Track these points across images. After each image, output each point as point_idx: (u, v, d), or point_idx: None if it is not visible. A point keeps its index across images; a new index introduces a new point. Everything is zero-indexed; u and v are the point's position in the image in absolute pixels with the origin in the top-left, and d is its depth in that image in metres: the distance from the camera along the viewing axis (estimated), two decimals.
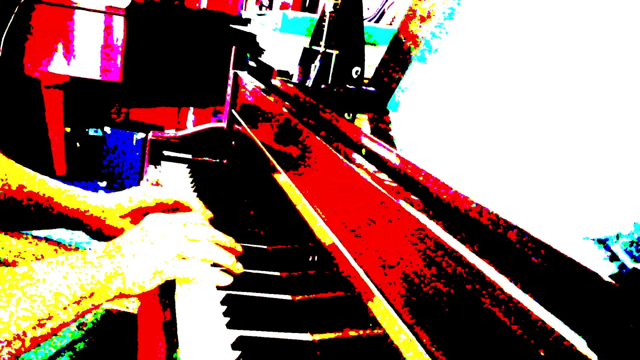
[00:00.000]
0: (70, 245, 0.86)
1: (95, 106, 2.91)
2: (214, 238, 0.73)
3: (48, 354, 0.72)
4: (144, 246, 0.67)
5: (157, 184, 1.12)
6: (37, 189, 0.80)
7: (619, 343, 0.32)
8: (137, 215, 0.84)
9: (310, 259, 0.72)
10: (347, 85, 0.93)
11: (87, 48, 2.42)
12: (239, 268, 0.74)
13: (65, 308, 0.59)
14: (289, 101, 0.97)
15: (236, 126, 1.27)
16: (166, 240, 0.68)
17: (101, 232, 0.83)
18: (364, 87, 0.93)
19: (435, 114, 0.77)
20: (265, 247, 0.86)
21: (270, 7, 2.09)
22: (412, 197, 0.53)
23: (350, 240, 0.62)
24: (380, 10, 1.32)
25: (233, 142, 1.30)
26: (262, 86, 1.14)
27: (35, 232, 0.91)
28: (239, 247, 0.77)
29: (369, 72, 0.96)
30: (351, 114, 0.83)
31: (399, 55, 0.91)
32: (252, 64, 1.40)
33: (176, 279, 0.69)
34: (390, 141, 0.69)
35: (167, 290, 0.73)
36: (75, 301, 0.60)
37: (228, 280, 0.71)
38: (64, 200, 0.81)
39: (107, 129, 2.80)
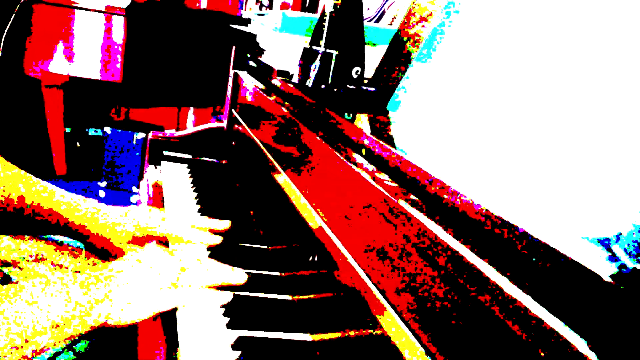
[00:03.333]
0: (70, 245, 0.85)
1: (95, 106, 2.91)
2: (209, 280, 0.71)
3: (48, 355, 0.72)
4: (139, 277, 0.66)
5: (157, 185, 1.12)
6: (41, 202, 0.80)
7: (619, 343, 0.32)
8: (141, 241, 0.83)
9: (310, 259, 0.72)
10: (347, 85, 0.93)
11: (87, 48, 2.42)
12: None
13: (45, 330, 0.57)
14: (289, 101, 0.97)
15: (236, 126, 1.27)
16: (160, 277, 0.67)
17: (106, 251, 0.83)
18: (364, 87, 0.93)
19: (436, 114, 0.77)
20: (265, 247, 0.86)
21: (270, 7, 2.09)
22: (412, 197, 0.53)
23: (350, 240, 0.62)
24: (380, 10, 1.32)
25: (233, 142, 1.30)
26: (262, 86, 1.14)
27: None
28: (240, 278, 0.74)
29: (369, 72, 0.96)
30: (351, 114, 0.83)
31: (399, 55, 0.91)
32: (252, 64, 1.40)
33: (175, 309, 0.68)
34: (390, 141, 0.69)
35: None
36: (56, 324, 0.58)
37: (228, 297, 0.70)
38: (70, 215, 0.81)
39: (107, 129, 2.79)
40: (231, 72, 1.35)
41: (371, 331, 0.54)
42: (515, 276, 0.38)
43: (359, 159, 0.65)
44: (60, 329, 0.58)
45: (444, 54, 0.82)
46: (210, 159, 1.31)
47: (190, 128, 1.38)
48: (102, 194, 2.62)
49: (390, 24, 1.27)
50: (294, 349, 0.64)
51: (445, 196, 0.50)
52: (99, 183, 2.73)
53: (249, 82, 1.20)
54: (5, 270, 0.77)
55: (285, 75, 1.13)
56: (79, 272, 0.64)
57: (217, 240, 0.84)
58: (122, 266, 0.67)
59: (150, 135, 1.29)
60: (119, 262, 0.68)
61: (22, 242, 0.80)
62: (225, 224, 0.88)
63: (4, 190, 0.79)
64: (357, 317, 0.57)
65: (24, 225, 0.81)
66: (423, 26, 0.88)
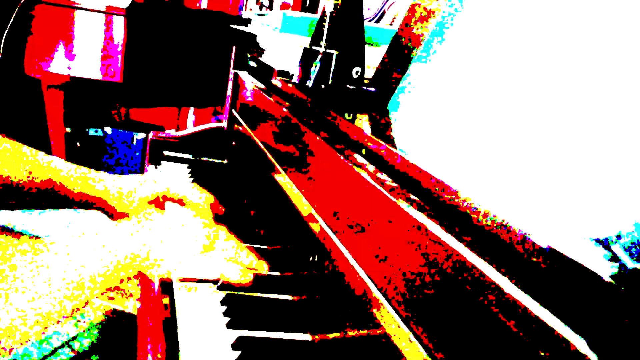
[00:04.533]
0: (25, 234, 0.85)
1: (96, 106, 2.91)
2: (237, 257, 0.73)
3: (46, 352, 0.72)
4: (168, 232, 0.68)
5: None
6: (48, 175, 0.81)
7: (619, 343, 0.32)
8: (155, 202, 0.85)
9: (310, 259, 0.72)
10: (348, 85, 0.93)
11: (87, 48, 2.42)
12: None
13: (95, 280, 0.58)
14: (289, 101, 0.97)
15: (236, 126, 1.27)
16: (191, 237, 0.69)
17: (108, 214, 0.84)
18: (364, 87, 0.93)
19: (436, 114, 0.77)
20: (265, 247, 0.86)
21: (270, 7, 2.09)
22: (412, 197, 0.53)
23: (350, 240, 0.62)
24: (380, 10, 1.32)
25: (233, 142, 1.30)
26: (263, 86, 1.14)
27: None
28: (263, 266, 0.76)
29: (369, 72, 0.96)
30: (351, 114, 0.83)
31: (399, 56, 0.91)
32: (252, 64, 1.40)
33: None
34: (390, 141, 0.69)
35: (167, 290, 0.73)
36: (107, 272, 0.59)
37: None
38: (74, 184, 0.82)
39: (108, 129, 2.79)
40: (231, 72, 1.35)
41: (371, 331, 0.54)
42: (515, 276, 0.38)
43: (359, 159, 0.65)
44: (111, 275, 0.59)
45: (444, 54, 0.82)
46: (211, 159, 1.31)
47: (190, 128, 1.38)
48: None
49: (390, 24, 1.27)
50: (294, 349, 0.64)
51: (445, 196, 0.50)
52: None
53: (249, 82, 1.20)
54: None
55: (285, 75, 1.13)
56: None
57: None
58: (153, 219, 0.68)
59: (150, 135, 1.29)
60: (147, 215, 0.69)
61: None
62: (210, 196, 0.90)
63: (10, 169, 0.80)
64: (357, 317, 0.57)
65: (32, 201, 0.81)
66: (423, 26, 0.88)
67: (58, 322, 0.57)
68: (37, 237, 0.59)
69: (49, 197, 0.81)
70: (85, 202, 0.82)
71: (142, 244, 0.64)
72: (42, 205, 0.83)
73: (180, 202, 0.86)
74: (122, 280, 0.62)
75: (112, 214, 0.83)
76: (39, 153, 0.82)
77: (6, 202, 0.80)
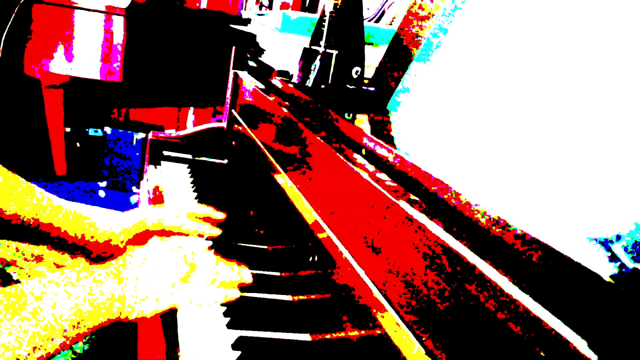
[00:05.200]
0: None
1: (96, 106, 2.91)
2: (217, 269, 0.71)
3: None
4: (146, 271, 0.65)
5: (157, 189, 1.12)
6: (38, 215, 0.79)
7: (619, 343, 0.32)
8: (140, 239, 0.83)
9: (310, 259, 0.72)
10: (347, 85, 0.93)
11: (87, 48, 2.42)
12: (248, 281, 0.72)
13: (64, 330, 0.57)
14: (289, 101, 0.97)
15: (236, 126, 1.27)
16: (170, 268, 0.67)
17: (101, 257, 0.82)
18: (364, 87, 0.93)
19: (436, 114, 0.77)
20: (265, 247, 0.86)
21: (270, 7, 2.09)
22: (412, 197, 0.53)
23: (350, 241, 0.62)
24: (380, 10, 1.32)
25: (233, 142, 1.30)
26: (262, 86, 1.14)
27: None
28: (247, 277, 0.73)
29: (369, 72, 0.96)
30: (351, 114, 0.83)
31: (399, 55, 0.91)
32: (252, 64, 1.40)
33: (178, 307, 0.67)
34: (390, 141, 0.69)
35: None
36: (73, 324, 0.57)
37: (236, 294, 0.69)
38: (68, 226, 0.80)
39: (107, 129, 2.80)
40: (231, 72, 1.35)
41: (371, 331, 0.54)
42: (515, 276, 0.38)
43: (359, 159, 0.65)
44: (79, 326, 0.58)
45: (444, 54, 0.82)
46: (211, 159, 1.31)
47: (190, 128, 1.38)
48: (102, 194, 2.62)
49: (390, 24, 1.27)
50: (294, 349, 0.64)
51: (445, 196, 0.50)
52: (99, 183, 2.73)
53: (249, 82, 1.20)
54: (7, 269, 0.77)
55: (285, 75, 1.13)
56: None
57: (216, 232, 0.85)
58: (131, 261, 0.66)
59: (150, 135, 1.29)
60: (126, 257, 0.67)
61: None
62: (221, 215, 0.88)
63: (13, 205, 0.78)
64: (357, 317, 0.57)
65: (20, 236, 0.80)
66: (423, 26, 0.88)
67: None
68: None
69: (37, 235, 0.80)
70: (68, 243, 0.80)
71: (113, 292, 0.63)
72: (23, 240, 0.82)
73: (170, 233, 0.84)
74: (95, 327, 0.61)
75: (96, 254, 0.81)
76: (36, 187, 0.81)
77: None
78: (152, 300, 0.64)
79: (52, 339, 0.56)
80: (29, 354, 0.54)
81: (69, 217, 0.79)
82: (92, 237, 0.80)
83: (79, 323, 0.58)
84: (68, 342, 0.58)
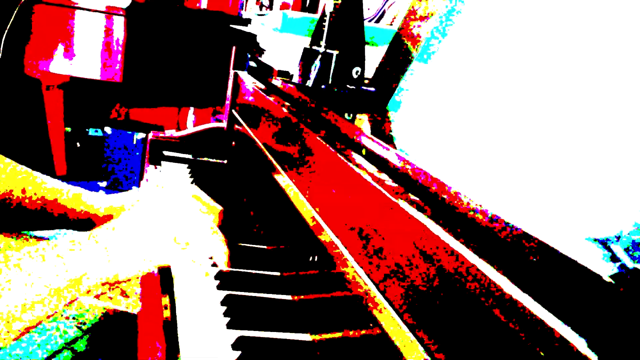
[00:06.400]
0: (33, 237, 0.85)
1: (96, 106, 2.91)
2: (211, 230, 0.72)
3: (46, 353, 0.72)
4: (134, 230, 0.65)
5: (157, 185, 1.12)
6: (41, 192, 0.80)
7: (619, 343, 0.32)
8: None
9: (310, 259, 0.72)
10: (347, 86, 0.93)
11: (87, 48, 2.42)
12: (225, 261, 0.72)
13: (57, 292, 0.57)
14: (289, 101, 0.97)
15: (236, 126, 1.27)
16: (159, 227, 0.67)
17: None
18: (364, 87, 0.93)
19: (436, 114, 0.78)
20: (265, 247, 0.86)
21: (270, 7, 2.09)
22: (412, 197, 0.53)
23: (350, 241, 0.62)
24: (380, 10, 1.32)
25: (233, 142, 1.30)
26: (263, 86, 1.14)
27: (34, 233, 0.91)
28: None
29: (369, 72, 0.96)
30: (351, 114, 0.83)
31: (399, 55, 0.91)
32: (252, 64, 1.40)
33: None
34: (390, 141, 0.69)
35: (167, 290, 0.73)
36: (66, 286, 0.58)
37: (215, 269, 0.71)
38: (69, 202, 0.81)
39: (107, 129, 2.80)
40: (231, 72, 1.35)
41: (371, 331, 0.54)
42: (515, 276, 0.38)
43: (359, 159, 0.65)
44: (75, 286, 0.58)
45: (444, 54, 0.82)
46: (211, 159, 1.31)
47: (190, 128, 1.38)
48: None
49: (390, 24, 1.27)
50: (294, 349, 0.64)
51: (445, 196, 0.50)
52: (99, 183, 2.73)
53: (249, 82, 1.20)
54: None
55: (285, 75, 1.13)
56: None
57: (219, 207, 0.86)
58: (120, 222, 0.66)
59: (150, 136, 1.29)
60: (116, 220, 0.67)
61: (19, 241, 0.80)
62: (218, 207, 0.89)
63: (7, 186, 0.79)
64: (357, 317, 0.57)
65: (21, 219, 0.81)
66: (423, 26, 0.88)
67: (49, 317, 0.57)
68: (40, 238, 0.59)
69: (42, 216, 0.80)
70: (78, 221, 0.81)
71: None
72: (33, 225, 0.83)
73: None
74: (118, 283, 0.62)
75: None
76: (33, 172, 0.81)
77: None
78: (143, 259, 0.64)
79: (52, 297, 0.56)
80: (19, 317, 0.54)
81: (69, 194, 0.80)
82: (94, 214, 0.81)
83: (66, 286, 0.58)
84: (54, 309, 0.58)
